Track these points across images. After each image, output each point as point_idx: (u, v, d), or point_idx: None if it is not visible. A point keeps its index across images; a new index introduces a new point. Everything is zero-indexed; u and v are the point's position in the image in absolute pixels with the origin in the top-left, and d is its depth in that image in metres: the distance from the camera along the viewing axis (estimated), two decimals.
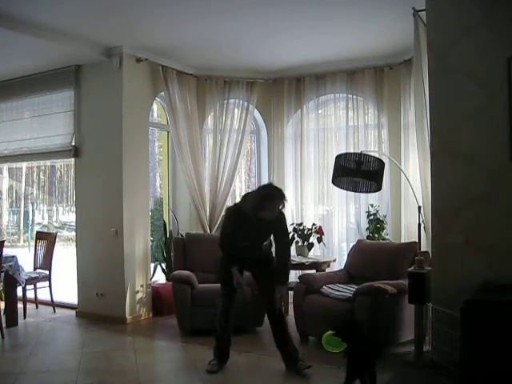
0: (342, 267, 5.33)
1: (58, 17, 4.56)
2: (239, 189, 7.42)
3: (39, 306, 6.11)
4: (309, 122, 6.42)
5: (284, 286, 4.14)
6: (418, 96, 4.38)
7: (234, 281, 3.94)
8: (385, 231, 5.71)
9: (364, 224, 5.87)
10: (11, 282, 5.26)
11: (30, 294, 5.94)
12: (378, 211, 5.72)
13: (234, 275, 3.94)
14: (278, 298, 4.01)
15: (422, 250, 4.50)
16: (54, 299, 6.03)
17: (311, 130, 6.40)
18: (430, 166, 3.82)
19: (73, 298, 6.04)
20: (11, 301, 5.32)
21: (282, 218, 4.04)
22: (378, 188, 4.67)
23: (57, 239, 6.22)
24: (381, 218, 5.69)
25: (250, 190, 4.32)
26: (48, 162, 9.38)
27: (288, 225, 4.22)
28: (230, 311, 4.05)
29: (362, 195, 5.78)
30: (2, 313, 5.12)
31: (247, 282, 4.27)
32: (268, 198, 3.83)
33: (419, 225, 4.52)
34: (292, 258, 5.59)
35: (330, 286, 4.74)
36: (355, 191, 4.93)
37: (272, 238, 4.12)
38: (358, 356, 3.23)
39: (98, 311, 5.58)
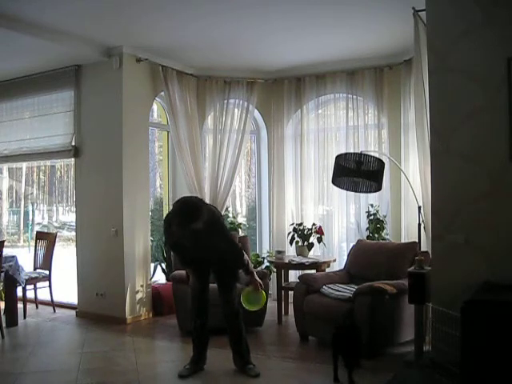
0: (342, 267, 5.33)
1: (58, 17, 4.56)
2: (239, 189, 7.42)
3: (39, 305, 6.11)
4: (309, 122, 6.42)
5: (248, 272, 3.98)
6: (417, 96, 4.38)
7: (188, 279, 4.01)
8: (385, 231, 5.71)
9: (364, 224, 5.87)
10: (11, 281, 5.26)
11: (30, 294, 5.94)
12: (377, 211, 5.72)
13: (190, 275, 4.01)
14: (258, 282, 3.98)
15: (422, 250, 4.50)
16: (54, 299, 6.03)
17: (311, 130, 6.40)
18: (430, 165, 3.81)
19: (73, 298, 6.04)
20: (11, 301, 5.33)
21: (214, 222, 3.78)
22: (378, 188, 4.67)
23: (57, 239, 6.22)
24: (381, 218, 5.69)
25: (184, 196, 4.16)
26: (48, 162, 9.38)
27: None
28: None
29: (362, 195, 5.78)
30: (1, 313, 5.12)
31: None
32: (183, 223, 3.56)
33: (419, 225, 4.52)
34: (292, 258, 5.63)
35: (329, 285, 4.74)
36: (355, 191, 4.93)
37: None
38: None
39: (98, 311, 5.58)
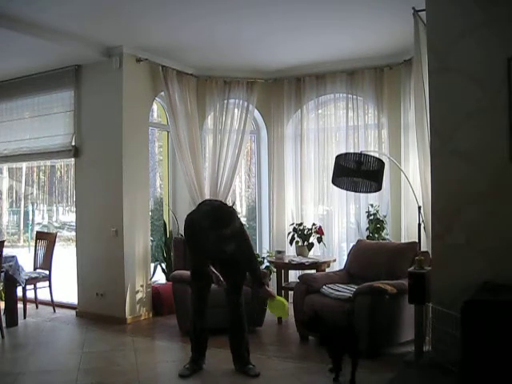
0: (342, 267, 5.33)
1: (58, 17, 4.56)
2: (239, 189, 7.42)
3: (39, 305, 6.10)
4: (309, 122, 6.42)
5: (260, 283, 4.02)
6: (417, 96, 4.38)
7: (213, 279, 3.91)
8: (385, 231, 5.71)
9: (364, 224, 5.87)
10: (11, 282, 5.26)
11: (30, 294, 5.93)
12: (377, 211, 5.72)
13: (212, 273, 3.90)
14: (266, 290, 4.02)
15: (422, 250, 4.50)
16: (54, 299, 6.02)
17: (311, 129, 6.40)
18: (430, 165, 3.82)
19: (73, 298, 6.04)
20: (11, 301, 5.32)
21: (241, 231, 3.88)
22: (378, 188, 4.67)
23: (57, 239, 6.21)
24: (381, 218, 5.69)
25: (207, 198, 4.18)
26: (48, 162, 9.37)
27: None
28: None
29: (362, 195, 5.78)
30: (1, 313, 5.12)
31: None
32: (213, 227, 3.64)
33: (419, 225, 4.52)
34: (292, 258, 5.63)
35: (329, 285, 4.74)
36: (355, 191, 4.94)
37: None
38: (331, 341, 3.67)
39: (98, 311, 5.58)
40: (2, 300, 5.65)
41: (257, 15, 4.63)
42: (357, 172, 4.53)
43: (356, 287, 4.48)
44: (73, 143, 5.81)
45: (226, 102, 6.36)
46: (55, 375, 3.94)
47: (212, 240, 3.74)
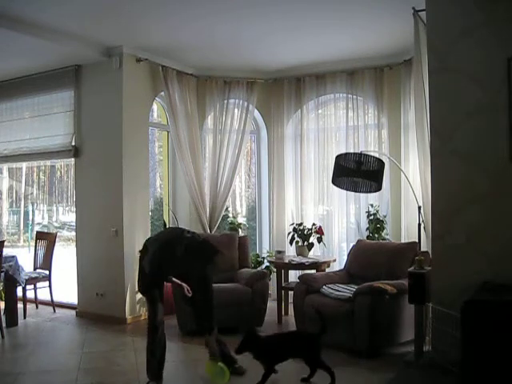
0: (342, 267, 5.33)
1: (58, 17, 4.56)
2: (239, 189, 7.41)
3: (39, 305, 6.11)
4: (309, 122, 6.42)
5: (210, 334, 3.73)
6: (417, 96, 4.39)
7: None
8: (385, 231, 5.71)
9: (364, 224, 5.87)
10: (11, 282, 5.26)
11: (30, 294, 5.94)
12: (377, 211, 5.72)
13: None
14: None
15: (422, 250, 4.50)
16: (54, 299, 6.03)
17: (311, 129, 6.40)
18: (430, 165, 3.82)
19: (73, 298, 6.04)
20: (11, 301, 5.33)
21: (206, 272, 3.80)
22: (378, 188, 4.67)
23: (57, 239, 6.21)
24: (381, 218, 5.69)
25: (196, 233, 4.00)
26: (48, 162, 9.38)
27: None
28: (162, 325, 3.87)
29: (362, 195, 5.78)
30: (1, 313, 5.13)
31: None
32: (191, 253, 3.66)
33: (419, 225, 4.52)
34: (292, 258, 5.63)
35: (329, 285, 4.74)
36: (355, 191, 4.93)
37: None
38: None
39: (98, 311, 5.59)
40: (2, 300, 5.65)
41: (257, 15, 4.63)
42: (357, 172, 4.53)
43: (356, 287, 4.48)
44: (73, 143, 5.81)
45: (226, 101, 6.37)
46: (55, 375, 3.95)
47: (180, 264, 3.70)
